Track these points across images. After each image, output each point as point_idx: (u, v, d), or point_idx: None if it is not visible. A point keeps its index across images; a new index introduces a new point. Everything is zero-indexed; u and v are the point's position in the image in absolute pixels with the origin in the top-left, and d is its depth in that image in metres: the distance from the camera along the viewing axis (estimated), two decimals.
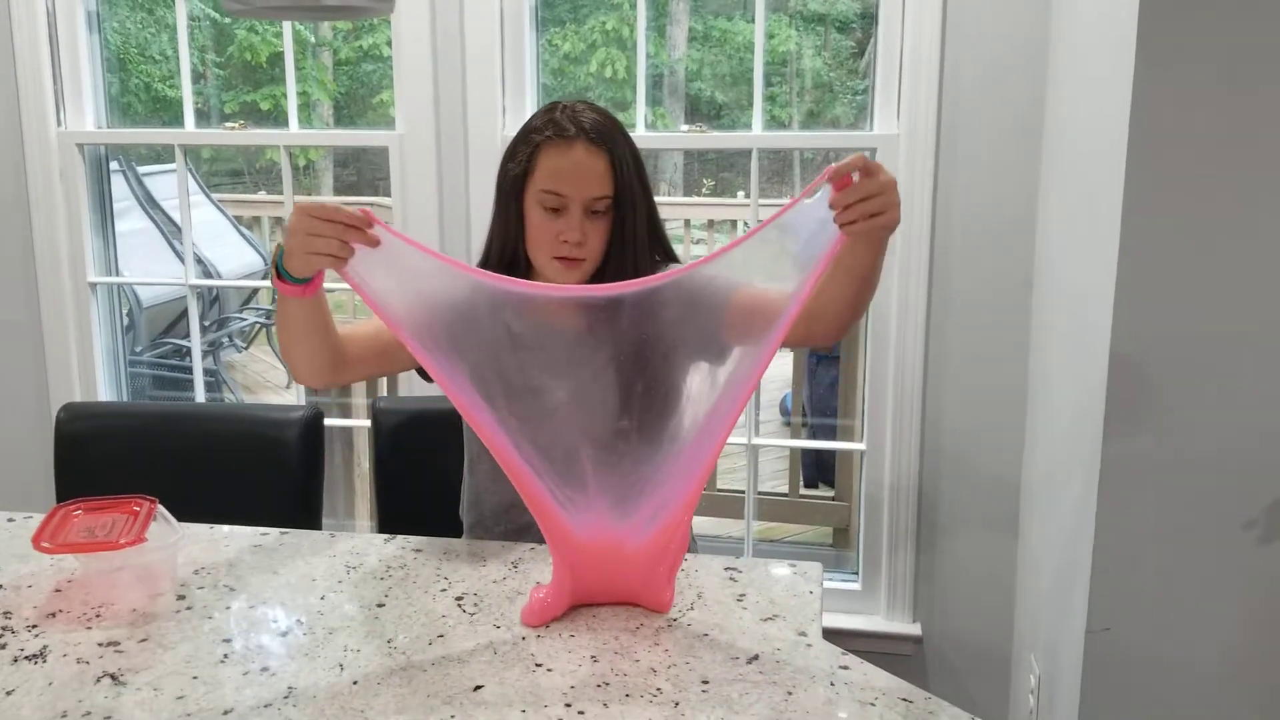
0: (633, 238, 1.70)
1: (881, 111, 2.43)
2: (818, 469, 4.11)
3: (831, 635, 1.42)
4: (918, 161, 2.37)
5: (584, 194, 1.64)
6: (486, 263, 1.79)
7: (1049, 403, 2.19)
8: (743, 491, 2.76)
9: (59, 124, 2.76)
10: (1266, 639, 1.70)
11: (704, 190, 9.41)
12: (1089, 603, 1.77)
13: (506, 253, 1.75)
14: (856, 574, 2.66)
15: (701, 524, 3.77)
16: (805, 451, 4.00)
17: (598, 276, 1.71)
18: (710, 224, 7.12)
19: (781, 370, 4.97)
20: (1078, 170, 1.99)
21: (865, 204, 1.31)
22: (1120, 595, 1.74)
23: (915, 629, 2.56)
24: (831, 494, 3.80)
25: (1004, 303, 2.39)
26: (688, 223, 7.12)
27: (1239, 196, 1.59)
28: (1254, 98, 1.56)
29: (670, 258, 1.80)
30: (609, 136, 1.66)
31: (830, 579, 2.70)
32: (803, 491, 3.84)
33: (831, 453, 3.97)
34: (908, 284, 2.42)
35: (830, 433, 4.02)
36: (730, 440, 1.83)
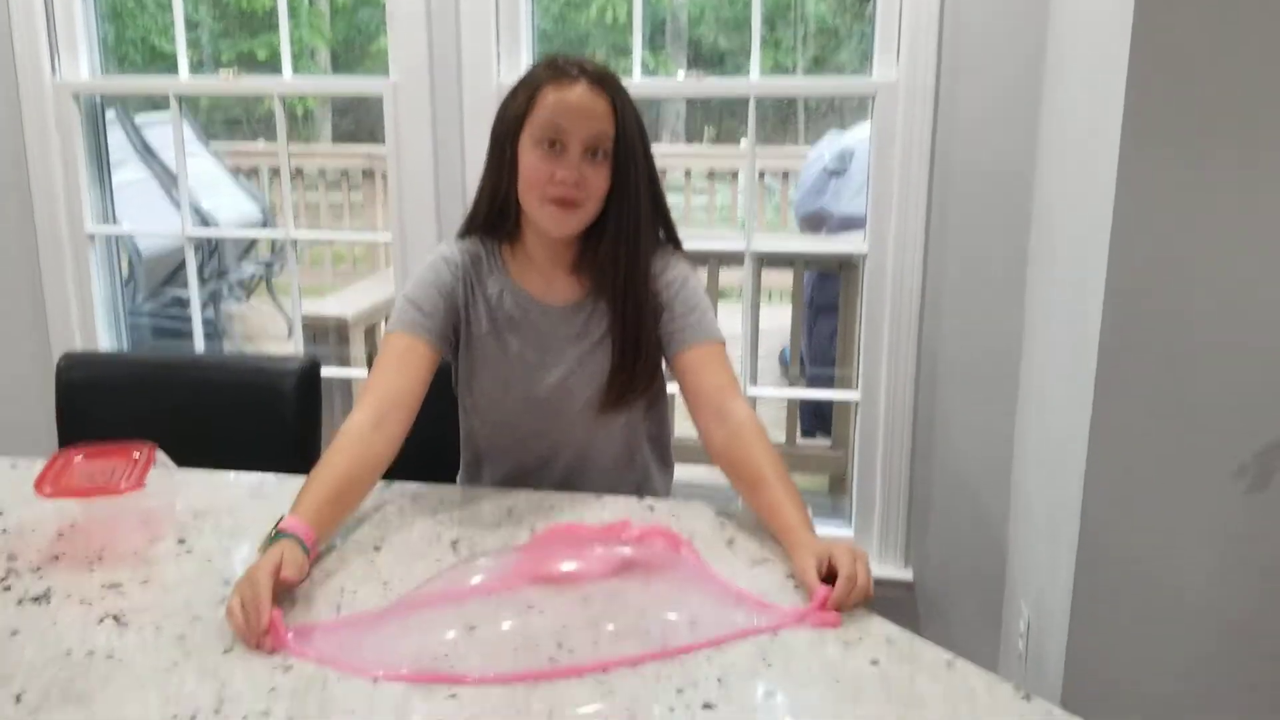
0: (634, 192, 1.66)
1: (881, 57, 2.42)
2: (816, 419, 4.13)
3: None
4: (916, 108, 2.36)
5: (584, 130, 1.61)
6: (475, 217, 1.78)
7: (1044, 351, 2.20)
8: None
9: (53, 73, 2.75)
10: (1254, 585, 1.73)
11: (707, 138, 9.36)
12: (1078, 549, 1.79)
13: (497, 200, 1.72)
14: (850, 521, 2.69)
15: (698, 473, 3.79)
16: (803, 401, 4.01)
17: (595, 231, 1.69)
18: (711, 173, 7.10)
19: (780, 322, 4.98)
20: (1077, 116, 1.99)
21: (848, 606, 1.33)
22: (1109, 542, 1.77)
23: (907, 574, 2.59)
24: (829, 443, 3.83)
25: (1001, 251, 2.40)
26: (689, 172, 7.10)
27: (1235, 140, 1.60)
28: (1251, 43, 1.56)
29: (667, 228, 1.78)
30: (612, 83, 1.65)
31: (825, 526, 2.73)
32: (800, 441, 3.86)
33: (829, 403, 3.98)
34: (905, 232, 2.42)
35: (829, 383, 4.03)
36: None
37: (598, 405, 1.73)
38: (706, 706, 1.14)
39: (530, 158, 1.64)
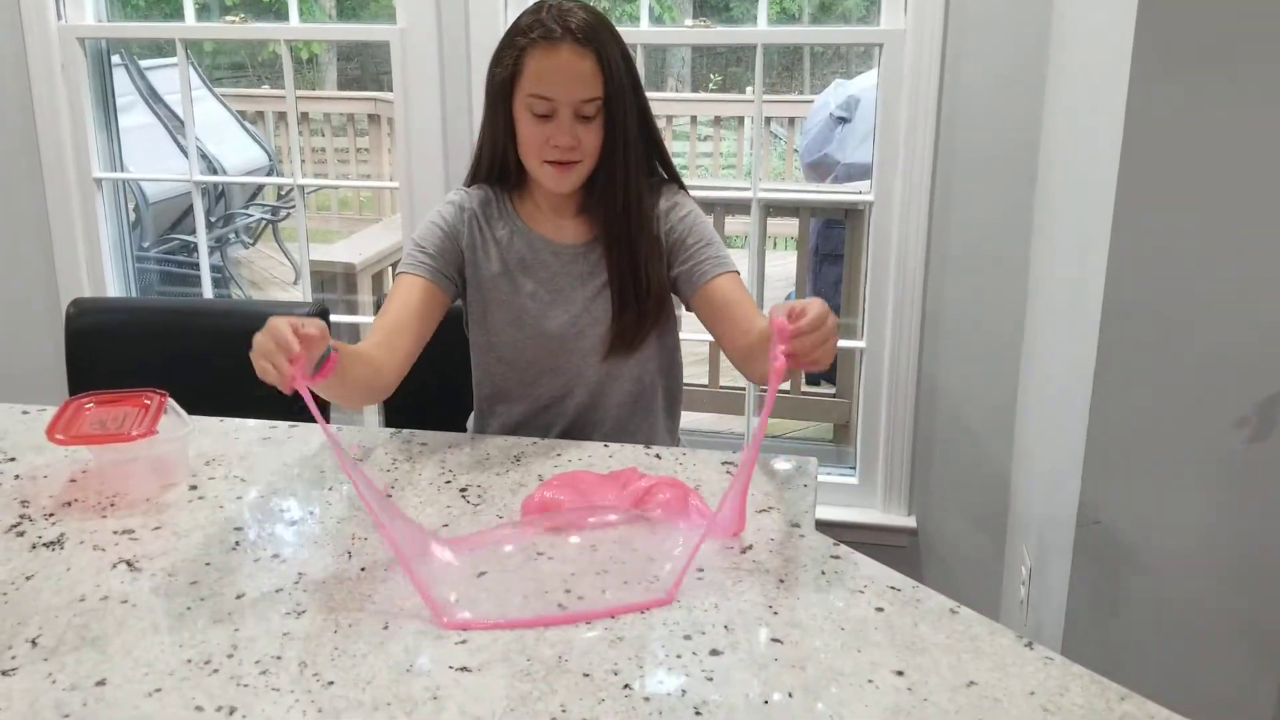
0: (624, 139, 1.69)
1: (889, 6, 2.40)
2: None
3: (829, 527, 1.46)
4: (923, 58, 2.35)
5: (572, 96, 1.63)
6: (478, 169, 1.81)
7: (1048, 301, 2.20)
8: (744, 388, 2.79)
9: (59, 17, 2.74)
10: (1254, 535, 1.74)
11: (711, 85, 9.29)
12: (1080, 497, 1.81)
13: (498, 158, 1.76)
14: (854, 468, 2.71)
15: (703, 420, 3.82)
16: None
17: (591, 182, 1.73)
18: (717, 120, 7.05)
19: (785, 269, 4.98)
20: (1084, 69, 1.98)
21: (811, 350, 1.32)
22: (1111, 490, 1.78)
23: (910, 521, 2.61)
24: (833, 390, 3.84)
25: (1007, 201, 2.39)
26: (694, 119, 7.06)
27: (1244, 92, 1.59)
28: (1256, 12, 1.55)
29: (665, 163, 1.82)
30: (596, 36, 1.63)
31: (829, 473, 2.74)
32: (804, 388, 3.87)
33: None
34: (911, 181, 2.42)
35: None
36: None
37: (607, 349, 1.76)
38: (714, 653, 1.15)
39: (524, 122, 1.66)
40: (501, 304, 1.78)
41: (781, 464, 1.64)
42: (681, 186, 1.82)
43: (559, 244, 1.77)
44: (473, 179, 1.82)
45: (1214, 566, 1.77)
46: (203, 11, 2.79)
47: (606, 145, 1.68)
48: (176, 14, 2.77)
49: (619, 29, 1.70)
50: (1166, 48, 1.59)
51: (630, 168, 1.71)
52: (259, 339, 1.31)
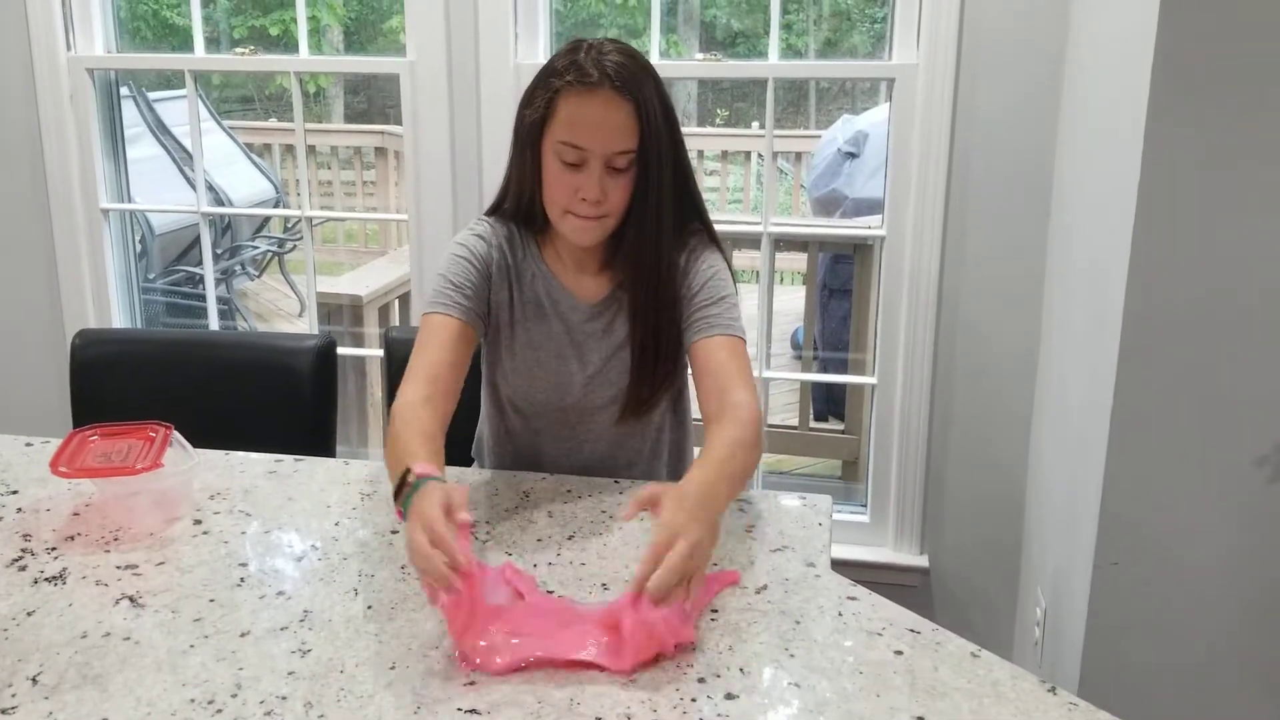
0: (657, 193, 1.58)
1: (901, 40, 2.39)
2: (827, 402, 4.12)
3: (839, 565, 1.44)
4: (936, 92, 2.34)
5: (605, 148, 1.53)
6: (499, 207, 1.72)
7: (1063, 338, 2.18)
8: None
9: (69, 48, 2.74)
10: (1275, 577, 1.71)
11: (717, 120, 9.31)
12: (1097, 537, 1.78)
13: (524, 200, 1.66)
14: (865, 506, 2.68)
15: None
16: (815, 385, 4.00)
17: (618, 235, 1.63)
18: (724, 155, 7.06)
19: (793, 304, 4.97)
20: (1099, 102, 1.97)
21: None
22: (1129, 530, 1.76)
23: (923, 561, 2.58)
24: (841, 427, 3.81)
25: (1020, 238, 2.38)
26: (701, 154, 7.06)
27: (1263, 130, 1.58)
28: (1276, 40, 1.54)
29: (701, 218, 1.69)
30: (635, 83, 1.53)
31: (838, 511, 2.71)
32: (812, 425, 3.84)
33: (841, 386, 3.97)
34: (923, 215, 2.40)
35: (841, 366, 4.02)
36: None
37: (620, 413, 1.70)
38: (729, 697, 1.13)
39: (552, 169, 1.56)
40: (514, 352, 1.71)
41: (793, 501, 1.61)
42: (714, 239, 1.70)
43: (578, 299, 1.69)
44: (493, 213, 1.73)
45: (1234, 609, 1.74)
46: (210, 44, 2.79)
47: (637, 199, 1.58)
48: (182, 46, 2.77)
49: None
50: (1185, 76, 1.58)
51: (662, 223, 1.61)
52: (415, 539, 1.21)
